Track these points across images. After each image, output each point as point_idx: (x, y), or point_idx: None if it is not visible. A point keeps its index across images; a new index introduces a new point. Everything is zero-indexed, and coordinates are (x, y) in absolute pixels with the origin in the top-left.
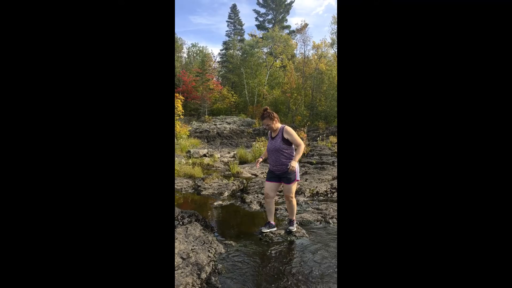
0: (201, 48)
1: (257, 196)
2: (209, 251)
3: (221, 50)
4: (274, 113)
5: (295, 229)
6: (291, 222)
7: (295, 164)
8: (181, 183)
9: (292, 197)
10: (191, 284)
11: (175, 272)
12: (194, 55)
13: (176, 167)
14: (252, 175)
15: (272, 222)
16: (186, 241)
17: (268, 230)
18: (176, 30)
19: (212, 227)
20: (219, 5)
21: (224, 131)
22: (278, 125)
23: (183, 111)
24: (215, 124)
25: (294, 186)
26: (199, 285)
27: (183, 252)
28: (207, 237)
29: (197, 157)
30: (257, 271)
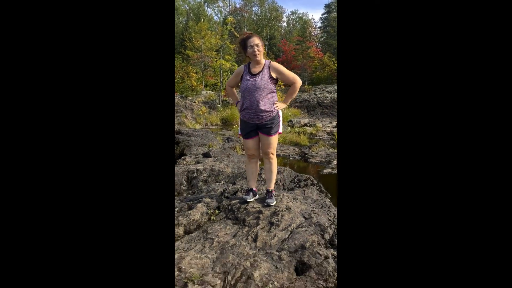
0: (300, 15)
1: None
2: (328, 214)
3: (322, 15)
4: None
5: (275, 202)
6: (269, 194)
7: (282, 107)
8: (287, 150)
9: (273, 155)
10: (316, 242)
11: (299, 229)
12: (294, 23)
13: (282, 135)
14: None
15: (255, 189)
16: (306, 203)
17: (253, 199)
18: None
19: (326, 193)
20: None
21: (325, 101)
22: (263, 59)
23: None
24: (315, 94)
25: (276, 140)
26: (324, 245)
27: (305, 212)
28: (324, 201)
29: (299, 127)
30: None
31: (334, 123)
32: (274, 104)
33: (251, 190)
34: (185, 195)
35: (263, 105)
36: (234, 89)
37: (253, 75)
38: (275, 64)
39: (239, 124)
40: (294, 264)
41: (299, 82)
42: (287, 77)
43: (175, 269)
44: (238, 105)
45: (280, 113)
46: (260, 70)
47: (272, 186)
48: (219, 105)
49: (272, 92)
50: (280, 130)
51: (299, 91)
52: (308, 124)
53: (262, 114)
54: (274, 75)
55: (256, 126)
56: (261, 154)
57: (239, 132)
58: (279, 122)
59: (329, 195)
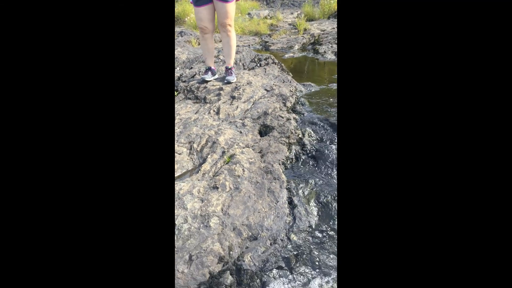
0: None
1: (331, 46)
2: (289, 87)
3: None
4: None
5: (235, 79)
6: (228, 71)
7: None
8: (247, 40)
9: (231, 26)
10: (278, 108)
11: (261, 99)
12: None
13: (241, 25)
14: (321, 31)
15: (213, 67)
16: (267, 78)
17: (212, 78)
18: None
19: (287, 71)
20: None
21: None
22: None
23: None
24: None
25: (233, 8)
26: (286, 111)
27: (267, 85)
28: (286, 77)
29: (258, 19)
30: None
31: (296, 14)
32: None
33: (210, 69)
34: None
35: None
36: None
37: None
38: None
39: None
40: (257, 128)
41: None
42: None
43: None
44: None
45: None
46: None
47: (231, 63)
48: None
49: None
50: None
51: None
52: (268, 16)
53: None
54: None
55: None
56: (217, 26)
57: (190, 0)
58: None
59: (290, 74)
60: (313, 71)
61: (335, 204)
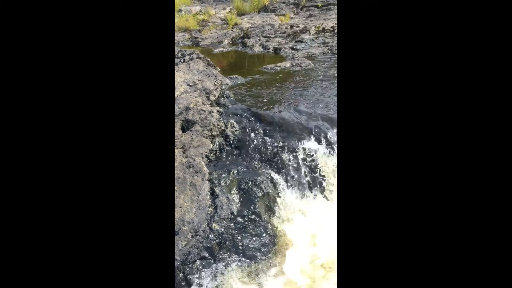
0: None
1: (259, 39)
2: (215, 81)
3: None
4: None
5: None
6: None
7: None
8: (176, 37)
9: None
10: (201, 102)
11: (183, 95)
12: None
13: None
14: (250, 25)
15: None
16: (191, 73)
17: None
18: None
19: (215, 66)
20: None
21: None
22: None
23: None
24: None
25: None
26: (209, 105)
27: (189, 80)
28: (211, 71)
29: (189, 15)
30: (264, 95)
31: (228, 9)
32: None
33: None
34: None
35: None
36: None
37: None
38: None
39: None
40: (179, 124)
41: None
42: None
43: None
44: None
45: None
46: None
47: None
48: None
49: None
50: None
51: None
52: (200, 12)
53: None
54: None
55: None
56: None
57: None
58: None
59: (217, 68)
60: (240, 64)
61: (255, 189)
